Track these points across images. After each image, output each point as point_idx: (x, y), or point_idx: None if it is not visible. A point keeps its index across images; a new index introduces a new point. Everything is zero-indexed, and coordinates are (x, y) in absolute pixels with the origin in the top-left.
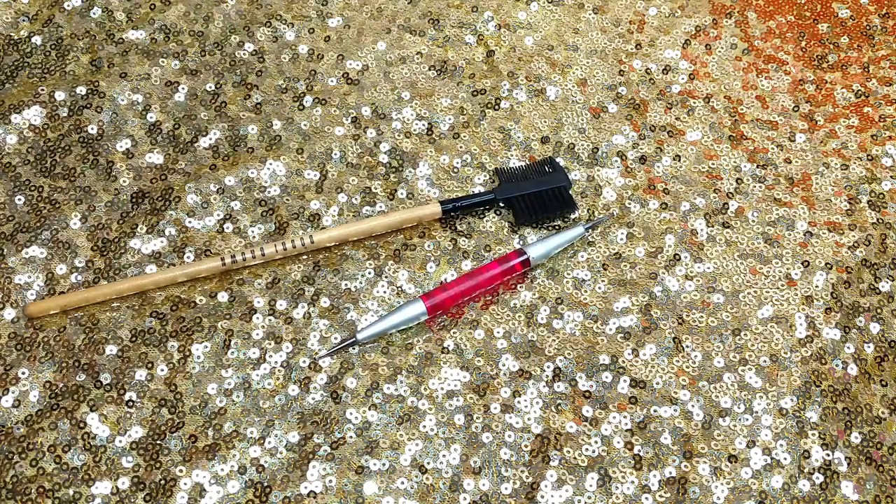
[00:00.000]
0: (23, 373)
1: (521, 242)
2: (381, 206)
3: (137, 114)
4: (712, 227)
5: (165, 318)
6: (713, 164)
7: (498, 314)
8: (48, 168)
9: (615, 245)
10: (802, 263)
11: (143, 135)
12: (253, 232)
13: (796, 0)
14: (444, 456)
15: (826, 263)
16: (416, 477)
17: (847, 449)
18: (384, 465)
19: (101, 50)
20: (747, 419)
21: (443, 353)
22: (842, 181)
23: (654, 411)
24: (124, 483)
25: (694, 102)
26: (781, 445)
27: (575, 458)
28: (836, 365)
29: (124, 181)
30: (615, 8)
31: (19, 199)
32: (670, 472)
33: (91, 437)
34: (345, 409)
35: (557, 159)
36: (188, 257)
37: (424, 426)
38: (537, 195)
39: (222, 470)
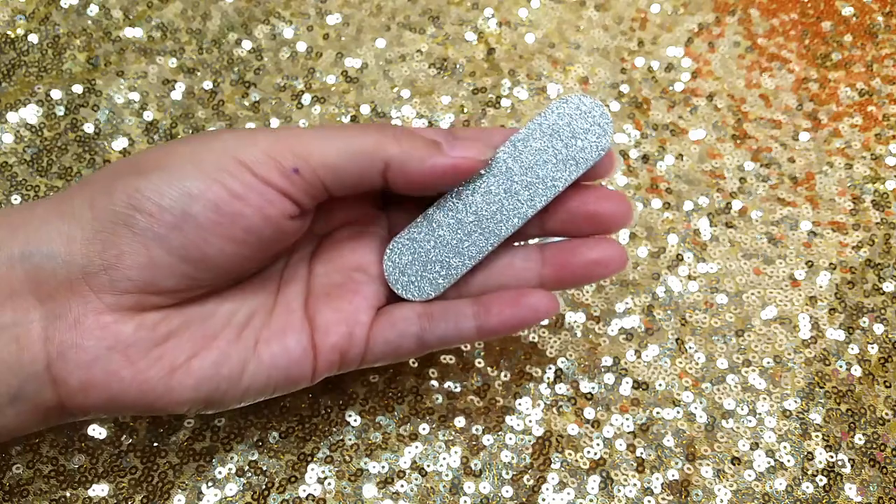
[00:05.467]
0: None
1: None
2: None
3: (134, 112)
4: (715, 226)
5: None
6: (716, 163)
7: None
8: (44, 167)
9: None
10: (806, 263)
11: (139, 133)
12: None
13: None
14: (444, 459)
15: (830, 263)
16: (416, 479)
17: (850, 451)
18: (383, 467)
19: (98, 48)
20: (751, 421)
21: (443, 354)
22: (846, 180)
23: (657, 413)
24: (121, 485)
25: (697, 101)
26: (785, 447)
27: (576, 460)
28: (840, 366)
29: None
30: (617, 5)
31: (15, 199)
32: (673, 475)
33: (88, 438)
34: (343, 411)
35: None
36: None
37: (424, 428)
38: None
39: (220, 472)
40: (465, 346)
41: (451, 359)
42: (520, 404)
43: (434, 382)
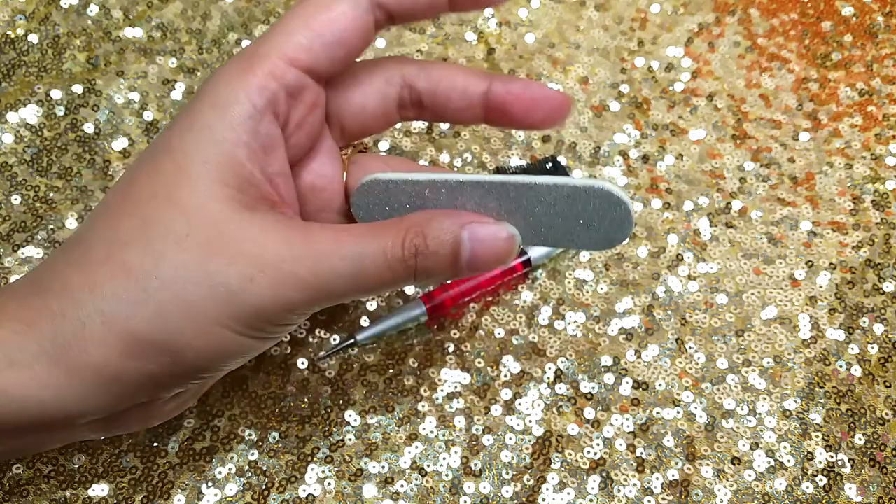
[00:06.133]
0: None
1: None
2: None
3: (134, 112)
4: (715, 226)
5: None
6: (716, 163)
7: (499, 315)
8: (44, 167)
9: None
10: (806, 264)
11: (139, 133)
12: None
13: None
14: (444, 459)
15: (830, 263)
16: (416, 479)
17: (850, 451)
18: (383, 467)
19: (98, 48)
20: (751, 421)
21: (443, 354)
22: (846, 180)
23: (657, 413)
24: (121, 485)
25: (697, 101)
26: (785, 447)
27: (576, 460)
28: (840, 366)
29: None
30: (617, 5)
31: (15, 199)
32: (673, 475)
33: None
34: (343, 411)
35: (559, 158)
36: None
37: (424, 428)
38: None
39: (220, 472)
40: (466, 347)
41: (451, 358)
42: (520, 404)
43: (434, 382)
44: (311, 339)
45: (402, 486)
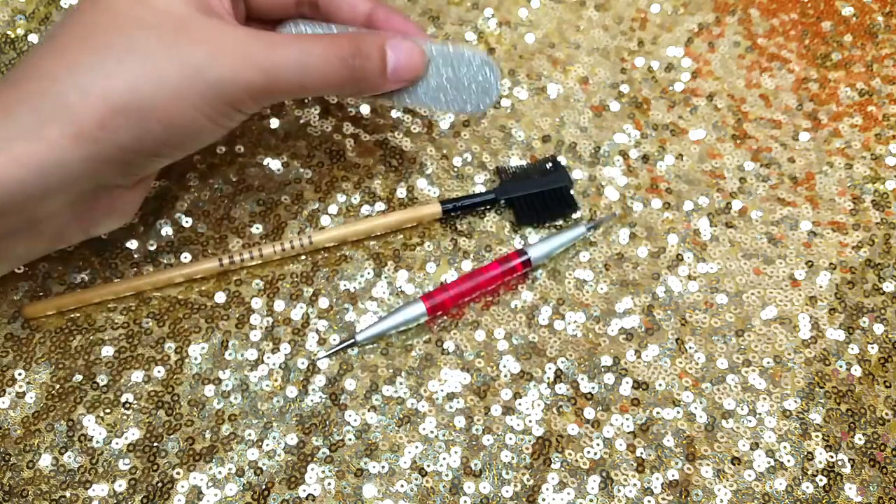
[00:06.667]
0: (19, 374)
1: (522, 242)
2: (380, 206)
3: None
4: (715, 226)
5: (162, 320)
6: (716, 163)
7: (498, 315)
8: None
9: (617, 245)
10: (806, 264)
11: None
12: (251, 232)
13: None
14: (444, 459)
15: (830, 264)
16: (416, 480)
17: (850, 451)
18: (384, 467)
19: None
20: (751, 421)
21: (443, 354)
22: (846, 180)
23: (657, 413)
24: (121, 486)
25: (697, 101)
26: (785, 447)
27: (576, 460)
28: (840, 366)
29: None
30: (617, 5)
31: None
32: (673, 475)
33: (88, 438)
34: (343, 411)
35: (559, 158)
36: (185, 258)
37: (424, 428)
38: (539, 195)
39: (220, 472)
40: (465, 347)
41: (451, 358)
42: (520, 404)
43: (434, 382)
44: (311, 339)
45: (402, 486)
